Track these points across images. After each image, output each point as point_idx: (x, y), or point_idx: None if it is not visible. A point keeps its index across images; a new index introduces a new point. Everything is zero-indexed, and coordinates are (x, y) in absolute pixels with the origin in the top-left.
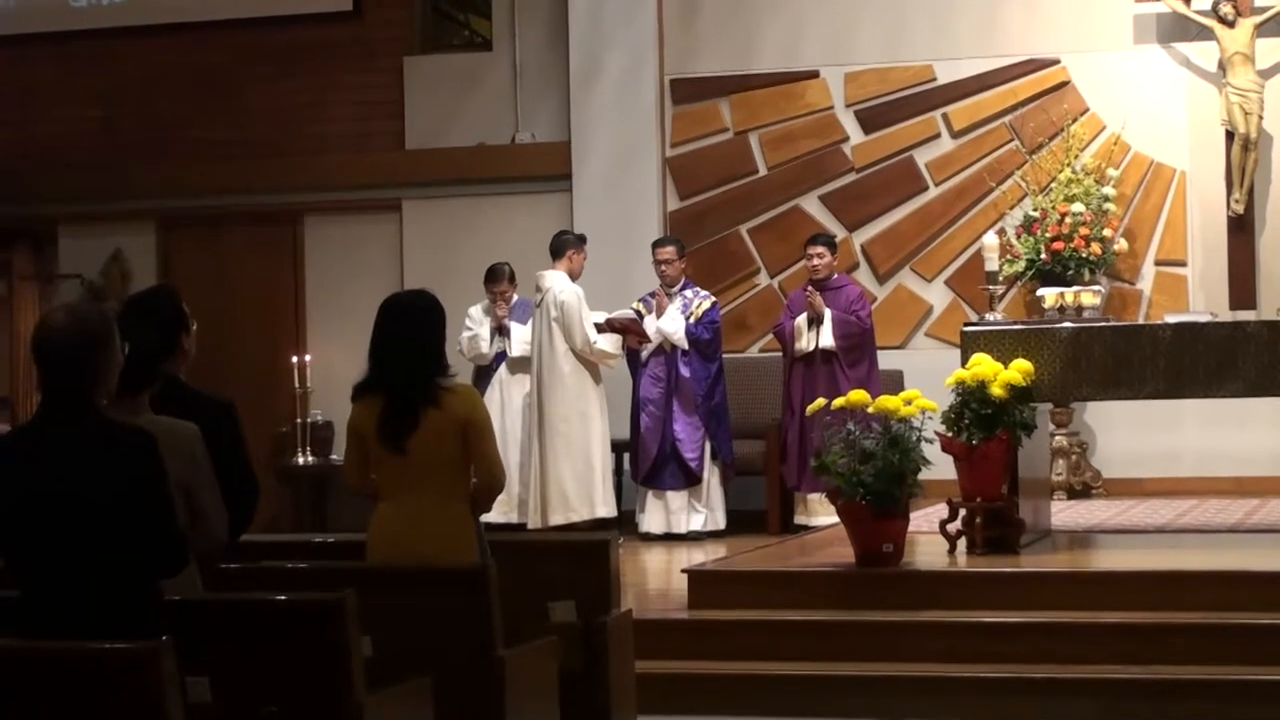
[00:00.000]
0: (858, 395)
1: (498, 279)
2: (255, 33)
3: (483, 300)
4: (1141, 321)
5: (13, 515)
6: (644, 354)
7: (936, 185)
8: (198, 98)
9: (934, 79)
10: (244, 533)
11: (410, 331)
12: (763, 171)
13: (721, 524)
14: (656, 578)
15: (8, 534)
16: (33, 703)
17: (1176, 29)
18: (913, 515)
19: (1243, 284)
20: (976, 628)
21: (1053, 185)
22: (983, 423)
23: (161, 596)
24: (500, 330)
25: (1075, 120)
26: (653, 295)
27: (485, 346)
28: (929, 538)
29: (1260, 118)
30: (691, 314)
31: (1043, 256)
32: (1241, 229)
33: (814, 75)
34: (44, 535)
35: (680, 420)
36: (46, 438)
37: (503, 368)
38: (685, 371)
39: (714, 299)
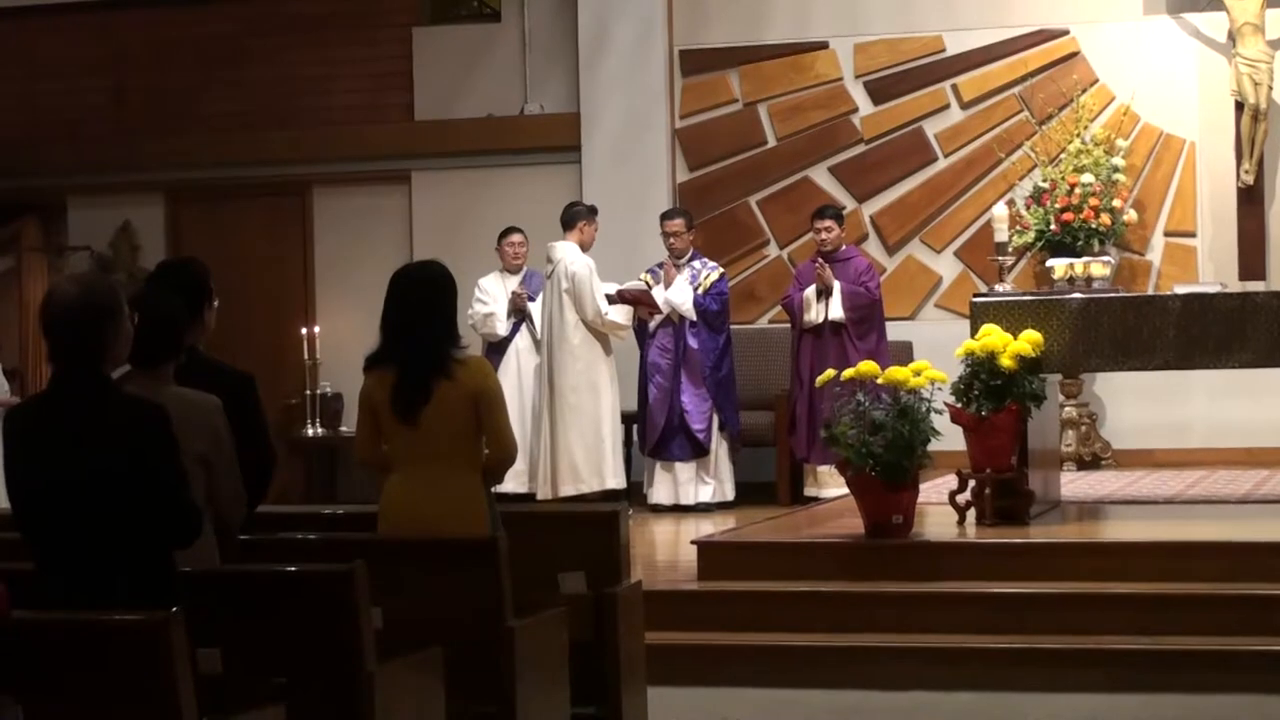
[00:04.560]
0: (867, 366)
1: (512, 230)
2: (264, 3)
3: (493, 271)
4: (1151, 292)
5: (25, 487)
6: (652, 325)
7: (946, 156)
8: (206, 69)
9: (943, 50)
10: (260, 504)
11: (422, 303)
12: (772, 143)
13: (730, 495)
14: (665, 549)
15: (21, 506)
16: (44, 673)
17: None
18: (922, 486)
19: (1252, 255)
20: (986, 598)
21: (1062, 156)
22: (992, 394)
23: (174, 568)
24: (519, 311)
25: (1085, 91)
26: (661, 266)
27: (501, 328)
28: (938, 509)
29: (1270, 88)
30: (700, 285)
31: (1052, 227)
32: (1251, 199)
33: (823, 46)
34: (56, 507)
35: (688, 392)
36: (57, 410)
37: (518, 338)
38: (693, 343)
39: (722, 270)
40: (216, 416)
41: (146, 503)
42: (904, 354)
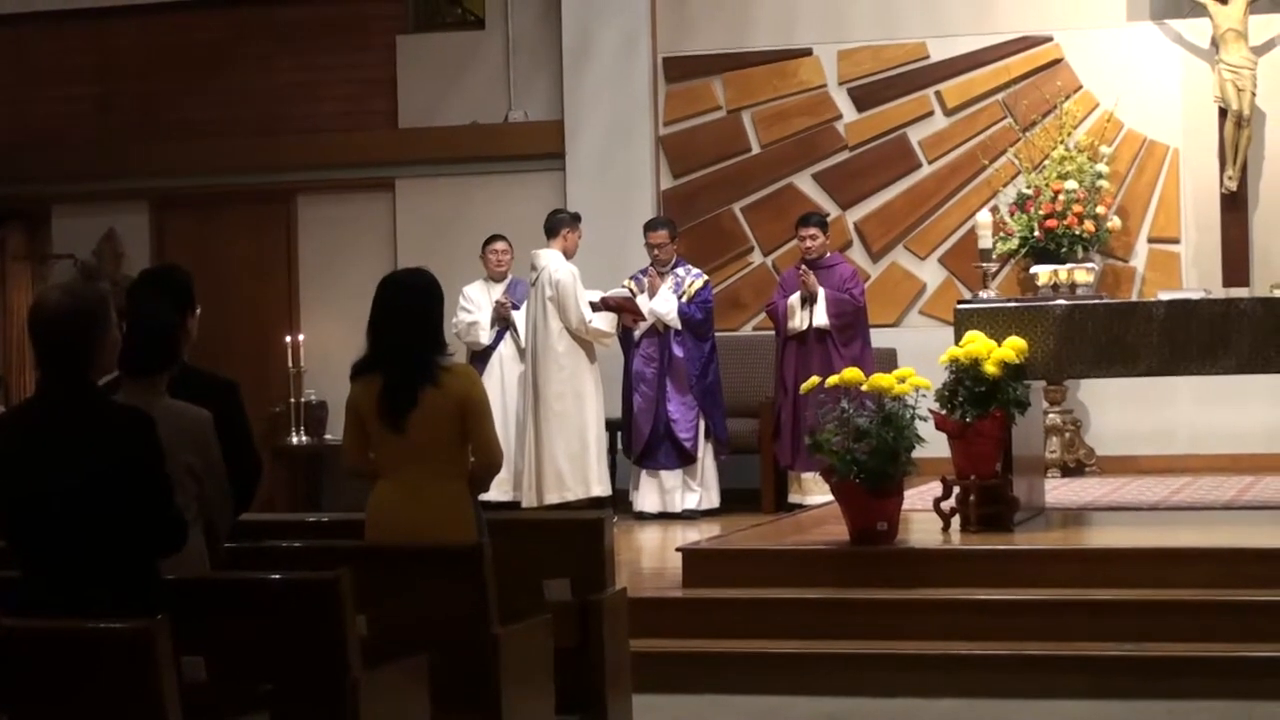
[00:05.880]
0: (851, 373)
1: (497, 238)
2: (249, 11)
3: (477, 279)
4: (1135, 299)
5: (11, 494)
6: (636, 334)
7: (930, 163)
8: (191, 77)
9: (927, 57)
10: (244, 512)
11: (409, 310)
12: (756, 150)
13: (716, 503)
14: (651, 556)
15: (6, 514)
16: (28, 681)
17: (1169, 5)
18: (907, 493)
19: (1236, 261)
20: (970, 605)
21: (1046, 163)
22: (977, 400)
23: (159, 576)
24: (503, 320)
25: (1068, 97)
26: (644, 273)
27: (485, 337)
28: (923, 515)
29: (1253, 94)
30: (684, 293)
31: (1036, 234)
32: (1235, 206)
33: (807, 53)
34: (41, 515)
35: (674, 400)
36: (43, 417)
37: (502, 346)
38: (678, 351)
39: (706, 278)
40: (207, 429)
41: (132, 510)
42: (888, 361)
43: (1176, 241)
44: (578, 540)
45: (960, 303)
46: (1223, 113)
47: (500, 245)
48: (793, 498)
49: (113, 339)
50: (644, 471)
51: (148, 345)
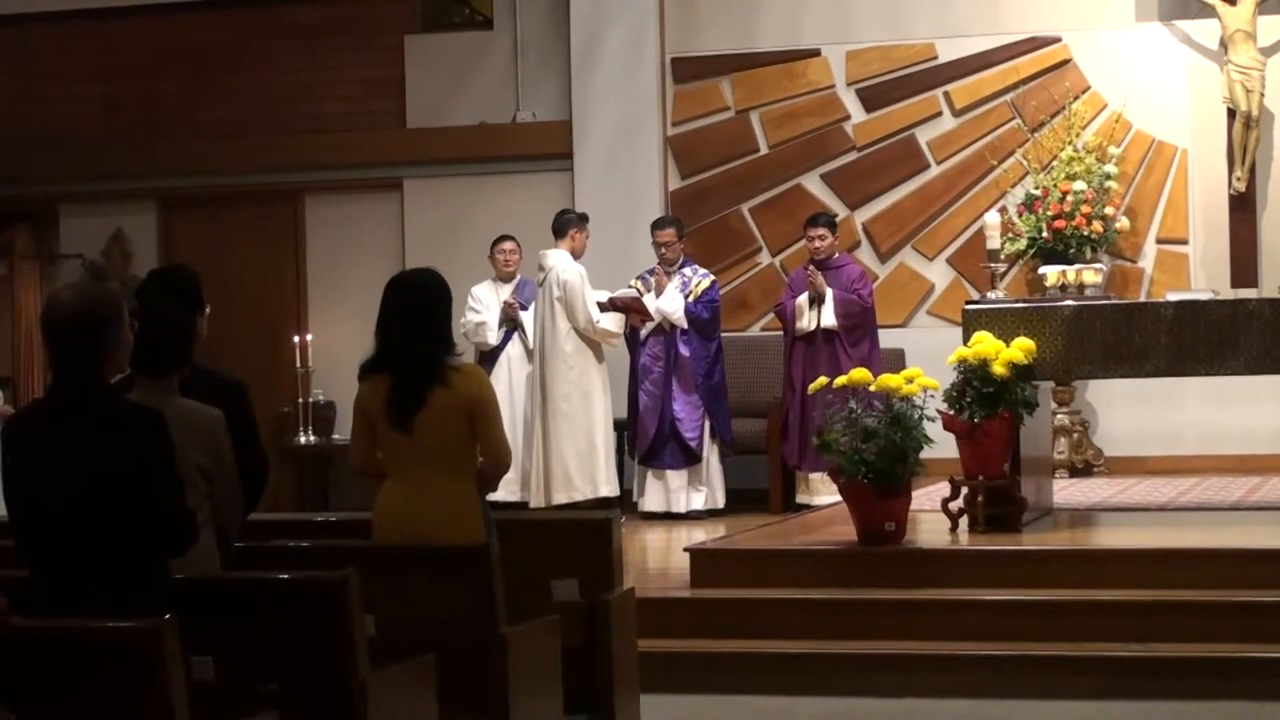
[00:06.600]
0: (859, 374)
1: (505, 238)
2: (256, 11)
3: (485, 279)
4: (1143, 299)
5: (24, 493)
6: (643, 333)
7: (938, 164)
8: (198, 77)
9: (935, 57)
10: (253, 512)
11: (417, 310)
12: (764, 150)
13: (721, 503)
14: (657, 556)
15: (17, 512)
16: (38, 681)
17: (1178, 6)
18: (915, 494)
19: (1244, 262)
20: (978, 606)
21: (1054, 163)
22: (985, 401)
23: (169, 575)
24: (511, 320)
25: (1077, 98)
26: (651, 273)
27: (493, 337)
28: (931, 516)
29: (1262, 95)
30: (690, 293)
31: (1044, 235)
32: (1243, 207)
33: (815, 54)
34: (52, 514)
35: (679, 400)
36: (54, 416)
37: (510, 346)
38: (684, 351)
39: (713, 278)
40: (219, 429)
41: (143, 509)
42: (896, 361)
43: (1185, 242)
44: (585, 540)
45: (968, 303)
46: (1231, 114)
47: (508, 245)
48: (800, 498)
49: (125, 338)
50: (649, 472)
51: (160, 345)
